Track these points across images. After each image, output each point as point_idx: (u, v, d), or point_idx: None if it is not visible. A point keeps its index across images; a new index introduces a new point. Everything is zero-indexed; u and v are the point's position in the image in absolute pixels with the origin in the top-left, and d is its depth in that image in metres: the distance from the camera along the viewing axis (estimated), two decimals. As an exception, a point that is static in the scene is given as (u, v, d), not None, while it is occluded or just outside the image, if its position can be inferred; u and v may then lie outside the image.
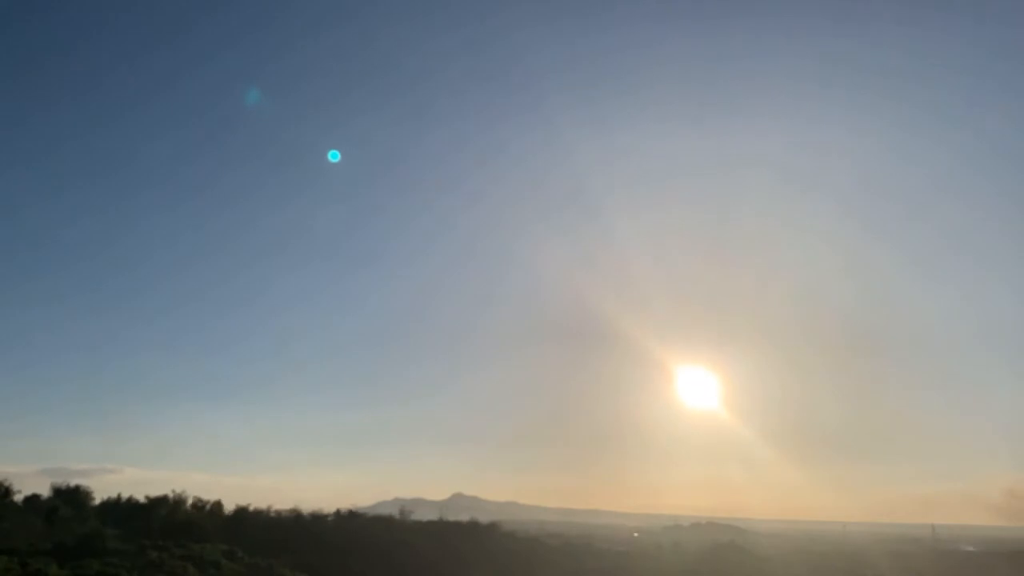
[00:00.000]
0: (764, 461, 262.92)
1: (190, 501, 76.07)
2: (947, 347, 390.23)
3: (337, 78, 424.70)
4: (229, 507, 77.51)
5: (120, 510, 74.00)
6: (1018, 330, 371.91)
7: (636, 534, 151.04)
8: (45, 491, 72.14)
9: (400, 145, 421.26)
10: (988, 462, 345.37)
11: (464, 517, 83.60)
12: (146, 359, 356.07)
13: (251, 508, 77.07)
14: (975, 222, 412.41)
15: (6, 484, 67.16)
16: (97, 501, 75.18)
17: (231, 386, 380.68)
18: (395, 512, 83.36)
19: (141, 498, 75.85)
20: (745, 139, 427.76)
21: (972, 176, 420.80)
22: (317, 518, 78.11)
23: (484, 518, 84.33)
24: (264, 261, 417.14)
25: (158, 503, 74.45)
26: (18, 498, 68.64)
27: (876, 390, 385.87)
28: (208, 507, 76.89)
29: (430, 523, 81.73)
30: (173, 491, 75.66)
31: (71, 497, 71.80)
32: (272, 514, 77.49)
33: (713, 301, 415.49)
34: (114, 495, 76.90)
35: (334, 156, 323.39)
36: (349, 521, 78.59)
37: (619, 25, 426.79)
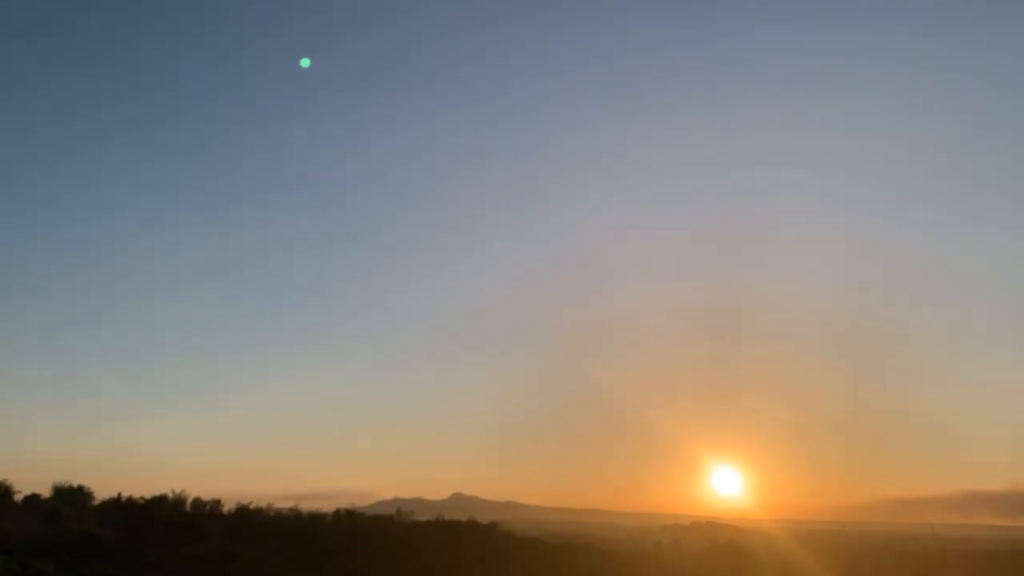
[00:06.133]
0: (763, 461, 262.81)
1: (190, 501, 76.23)
2: (949, 348, 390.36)
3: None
4: (229, 506, 77.69)
5: (120, 510, 74.10)
6: (1018, 331, 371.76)
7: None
8: (45, 491, 72.32)
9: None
10: (988, 461, 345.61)
11: (464, 517, 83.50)
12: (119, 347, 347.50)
13: (252, 507, 77.17)
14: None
15: (6, 484, 67.35)
16: (97, 501, 75.37)
17: (224, 384, 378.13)
18: (395, 512, 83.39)
19: (141, 498, 76.14)
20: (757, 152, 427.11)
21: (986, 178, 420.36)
22: (316, 517, 78.21)
23: (484, 518, 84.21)
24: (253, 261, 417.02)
25: (158, 503, 74.61)
26: (18, 498, 68.83)
27: (876, 391, 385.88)
28: (208, 507, 77.02)
29: (430, 523, 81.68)
30: (173, 491, 75.90)
31: (71, 497, 71.94)
32: (272, 513, 77.59)
33: (714, 299, 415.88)
34: (114, 494, 77.19)
35: (305, 63, 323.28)
36: (349, 521, 78.64)
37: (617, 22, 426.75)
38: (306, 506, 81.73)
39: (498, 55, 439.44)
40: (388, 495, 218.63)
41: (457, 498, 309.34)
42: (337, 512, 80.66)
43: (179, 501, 75.26)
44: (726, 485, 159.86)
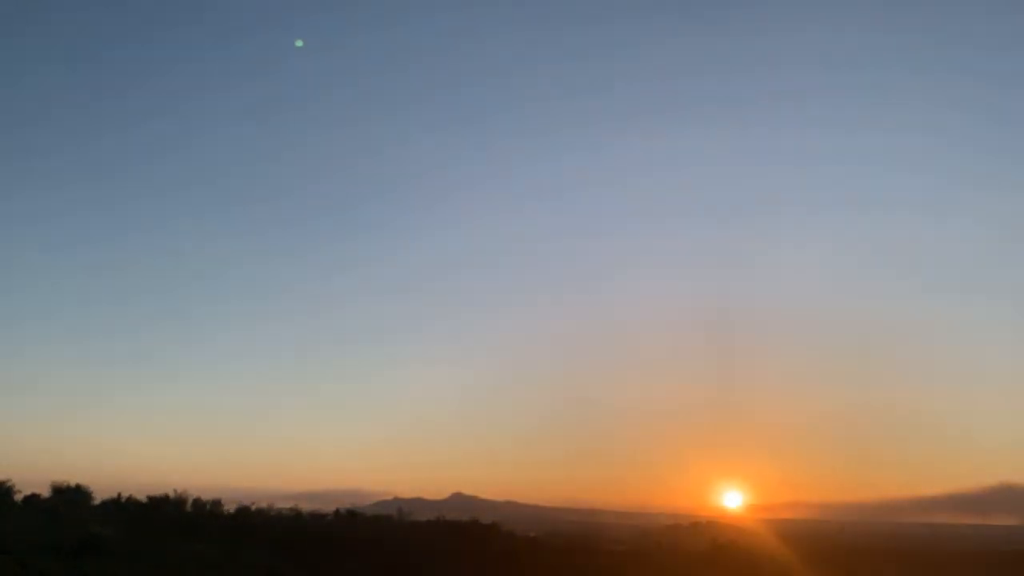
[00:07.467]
0: (764, 461, 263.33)
1: (190, 501, 76.24)
2: (949, 348, 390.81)
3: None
4: (230, 506, 77.82)
5: (120, 510, 74.14)
6: (1019, 330, 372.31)
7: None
8: (45, 491, 72.35)
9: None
10: (988, 461, 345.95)
11: (464, 517, 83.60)
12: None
13: (252, 507, 77.25)
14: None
15: (6, 484, 67.37)
16: (97, 501, 75.44)
17: (224, 383, 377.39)
18: (395, 512, 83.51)
19: (142, 497, 76.25)
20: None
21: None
22: (316, 517, 78.30)
23: (484, 518, 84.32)
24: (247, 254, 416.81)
25: (159, 502, 74.65)
26: (18, 497, 68.85)
27: (877, 391, 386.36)
28: (208, 507, 77.05)
29: (429, 523, 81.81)
30: (173, 491, 75.91)
31: (71, 497, 71.98)
32: (272, 513, 77.69)
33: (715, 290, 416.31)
34: (114, 495, 77.28)
35: (299, 44, 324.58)
36: (349, 521, 78.75)
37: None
38: (306, 506, 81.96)
39: (492, 51, 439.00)
40: (388, 495, 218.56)
41: (457, 498, 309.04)
42: (337, 512, 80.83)
43: (179, 501, 75.22)
44: (726, 485, 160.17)
